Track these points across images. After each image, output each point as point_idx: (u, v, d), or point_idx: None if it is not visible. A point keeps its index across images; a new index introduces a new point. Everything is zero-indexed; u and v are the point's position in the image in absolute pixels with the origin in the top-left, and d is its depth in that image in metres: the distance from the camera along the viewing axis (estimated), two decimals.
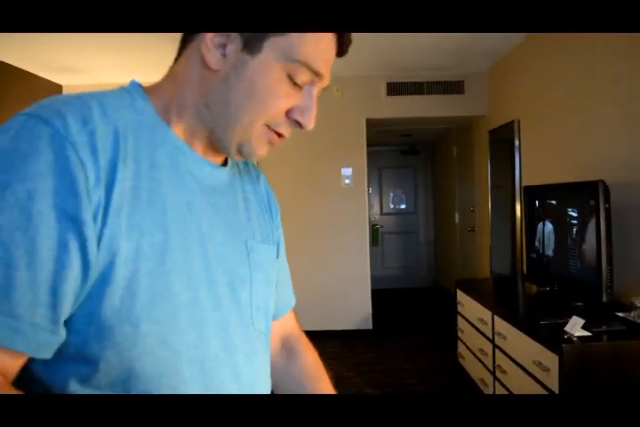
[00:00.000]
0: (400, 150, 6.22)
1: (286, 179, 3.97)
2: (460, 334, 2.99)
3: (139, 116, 0.57)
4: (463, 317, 2.89)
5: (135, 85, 0.60)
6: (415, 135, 5.36)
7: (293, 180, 4.05)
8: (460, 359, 3.01)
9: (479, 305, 2.57)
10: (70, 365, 0.51)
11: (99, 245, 0.49)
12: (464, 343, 2.90)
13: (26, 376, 0.50)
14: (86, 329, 0.50)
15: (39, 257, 0.46)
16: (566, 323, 1.76)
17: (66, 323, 0.49)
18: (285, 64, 0.56)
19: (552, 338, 1.73)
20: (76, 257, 0.47)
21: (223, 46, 0.56)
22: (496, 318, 2.30)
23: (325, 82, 0.61)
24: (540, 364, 1.78)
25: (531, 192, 2.65)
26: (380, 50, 3.41)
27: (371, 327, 4.11)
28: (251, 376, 0.63)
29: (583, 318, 1.72)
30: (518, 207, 3.32)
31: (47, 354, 0.49)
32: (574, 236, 2.19)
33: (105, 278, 0.49)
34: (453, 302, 3.11)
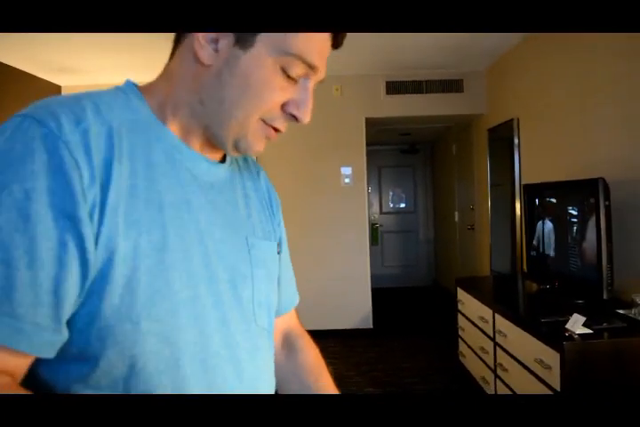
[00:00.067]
0: (399, 149, 6.22)
1: (286, 178, 3.97)
2: (460, 333, 2.99)
3: (133, 114, 0.57)
4: (464, 315, 2.89)
5: (130, 85, 0.60)
6: (414, 134, 5.36)
7: (293, 179, 4.05)
8: (460, 358, 3.01)
9: (480, 303, 2.57)
10: (71, 364, 0.51)
11: (96, 243, 0.49)
12: (465, 342, 2.90)
13: (27, 376, 0.50)
14: (87, 328, 0.50)
15: (39, 257, 0.46)
16: (567, 320, 1.76)
17: (67, 322, 0.49)
18: (278, 57, 0.56)
19: (553, 336, 1.73)
20: (74, 256, 0.48)
21: (215, 41, 0.56)
22: (497, 315, 2.30)
23: (321, 75, 0.60)
24: (541, 362, 1.78)
25: (531, 190, 2.65)
26: (380, 49, 3.41)
27: (371, 326, 4.12)
28: (253, 373, 0.63)
29: (584, 316, 1.72)
30: (518, 205, 3.32)
31: (51, 354, 0.49)
32: (574, 233, 2.19)
33: (104, 277, 0.49)
34: (453, 300, 3.12)
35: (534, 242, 2.58)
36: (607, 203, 1.90)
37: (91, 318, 0.50)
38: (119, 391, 0.52)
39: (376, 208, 6.24)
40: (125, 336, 0.50)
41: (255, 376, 0.63)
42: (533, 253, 2.60)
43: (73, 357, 0.51)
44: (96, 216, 0.49)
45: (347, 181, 4.09)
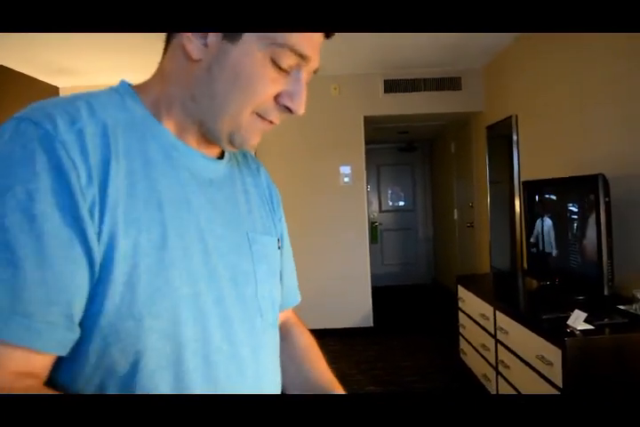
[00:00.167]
0: (398, 148, 6.22)
1: (285, 177, 3.97)
2: (461, 330, 2.99)
3: (128, 113, 0.57)
4: (464, 312, 2.89)
5: (124, 85, 0.61)
6: (412, 132, 5.36)
7: (292, 178, 4.05)
8: (461, 355, 3.01)
9: (480, 301, 2.57)
10: (75, 362, 0.51)
11: (98, 242, 0.49)
12: (466, 339, 2.90)
13: None
14: (90, 326, 0.50)
15: (47, 256, 0.46)
16: (568, 317, 1.76)
17: None
18: (268, 49, 0.55)
19: (554, 332, 1.73)
20: (82, 254, 0.48)
21: (204, 36, 0.56)
22: (498, 313, 2.30)
23: (314, 64, 0.60)
24: (542, 358, 1.78)
25: (530, 187, 2.65)
26: (377, 48, 3.40)
27: (371, 325, 4.12)
28: (257, 370, 0.62)
29: (585, 312, 1.72)
30: (517, 202, 3.32)
31: (63, 352, 0.49)
32: (574, 230, 2.19)
33: (105, 275, 0.50)
34: (453, 298, 3.12)
35: (532, 239, 2.58)
36: (607, 199, 1.90)
37: (93, 316, 0.50)
38: (122, 388, 0.52)
39: (375, 207, 6.24)
40: (128, 333, 0.51)
41: (259, 373, 0.63)
42: (534, 249, 2.60)
43: (76, 354, 0.51)
44: (96, 215, 0.49)
45: (346, 180, 4.09)
